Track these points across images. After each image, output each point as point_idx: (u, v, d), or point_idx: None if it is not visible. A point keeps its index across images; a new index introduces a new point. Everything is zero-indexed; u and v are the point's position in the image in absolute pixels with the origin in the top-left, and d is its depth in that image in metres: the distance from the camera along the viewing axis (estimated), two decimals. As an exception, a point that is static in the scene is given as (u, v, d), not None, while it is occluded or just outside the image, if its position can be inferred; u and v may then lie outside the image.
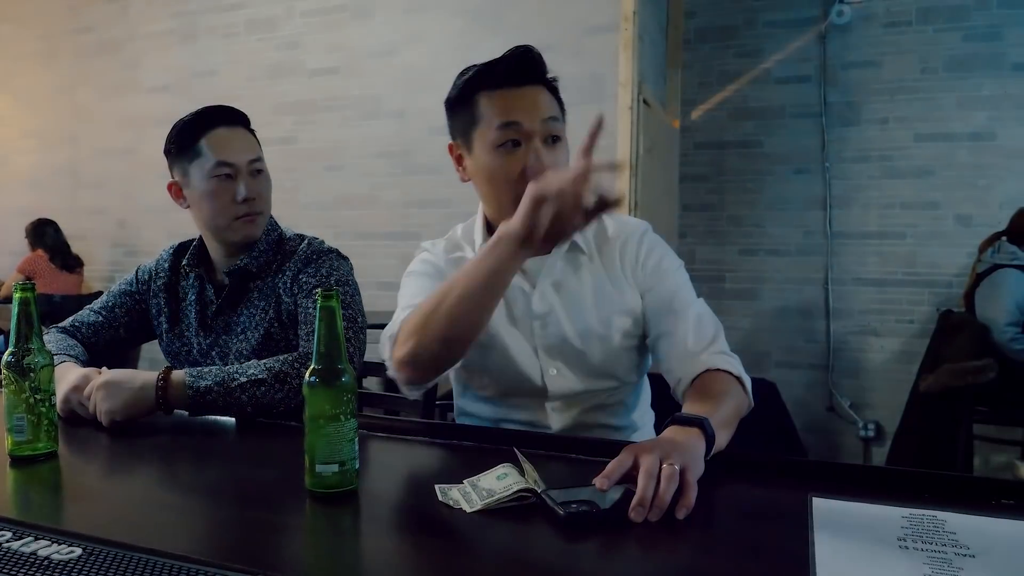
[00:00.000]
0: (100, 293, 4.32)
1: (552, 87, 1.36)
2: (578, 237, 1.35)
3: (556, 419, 1.35)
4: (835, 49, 4.04)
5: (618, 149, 3.35)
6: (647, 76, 3.66)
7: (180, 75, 4.23)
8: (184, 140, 1.52)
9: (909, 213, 3.97)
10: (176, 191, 1.57)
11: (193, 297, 1.60)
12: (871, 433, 4.04)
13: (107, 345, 1.62)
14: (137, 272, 1.68)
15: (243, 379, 1.34)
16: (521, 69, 1.32)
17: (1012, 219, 3.28)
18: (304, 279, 1.52)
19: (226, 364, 1.52)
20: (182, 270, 1.62)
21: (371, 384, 3.73)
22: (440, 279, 1.36)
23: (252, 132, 1.59)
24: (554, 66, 3.61)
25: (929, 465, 3.17)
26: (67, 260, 4.33)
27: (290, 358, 1.39)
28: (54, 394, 1.12)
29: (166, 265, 1.65)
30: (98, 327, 1.62)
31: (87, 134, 4.51)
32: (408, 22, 3.75)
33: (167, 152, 1.56)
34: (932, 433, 3.21)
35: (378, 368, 1.66)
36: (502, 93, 1.29)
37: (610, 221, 1.42)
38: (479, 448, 1.18)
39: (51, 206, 4.51)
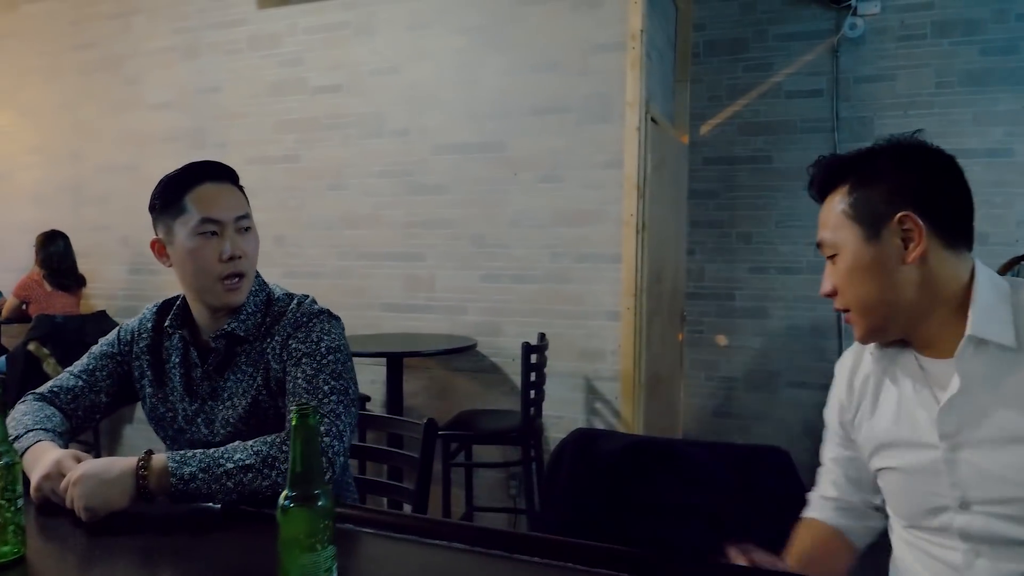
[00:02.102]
0: (103, 312, 4.31)
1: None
2: None
3: None
4: (848, 63, 3.96)
5: (625, 169, 3.29)
6: (655, 92, 3.60)
7: (182, 92, 4.19)
8: (169, 196, 1.46)
9: (923, 230, 3.88)
10: (159, 249, 1.51)
11: (177, 360, 1.54)
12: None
13: (88, 412, 1.55)
14: (119, 332, 1.61)
15: (230, 465, 1.27)
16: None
17: (1031, 241, 3.20)
18: (294, 345, 1.45)
19: (212, 430, 1.47)
20: (165, 330, 1.56)
21: (373, 406, 3.71)
22: None
23: (241, 188, 1.53)
24: (560, 84, 3.57)
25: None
26: (63, 280, 4.29)
27: (277, 440, 1.31)
28: (21, 496, 1.06)
29: (149, 325, 1.59)
30: (78, 393, 1.55)
31: (90, 150, 4.48)
32: (411, 40, 3.69)
33: (151, 208, 1.50)
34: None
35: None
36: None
37: None
38: (487, 555, 1.09)
39: (54, 222, 4.48)
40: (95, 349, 1.62)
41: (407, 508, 1.68)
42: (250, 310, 1.51)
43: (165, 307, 1.61)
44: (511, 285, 3.53)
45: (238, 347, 1.51)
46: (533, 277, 3.49)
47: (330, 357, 1.43)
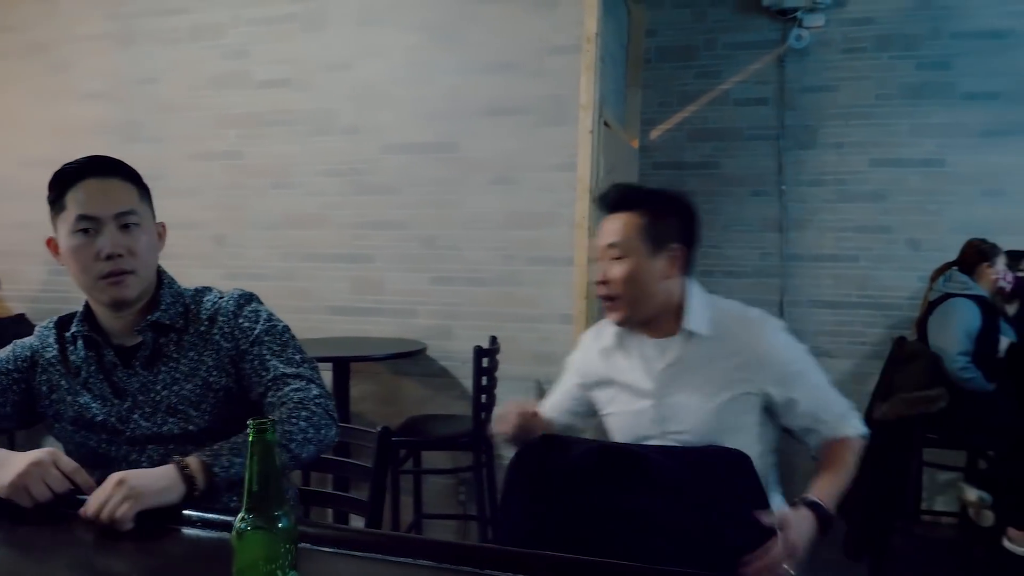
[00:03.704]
0: (21, 316, 4.06)
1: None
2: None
3: None
4: (793, 73, 4.05)
5: (578, 172, 3.29)
6: (608, 96, 3.61)
7: (116, 82, 3.99)
8: (52, 193, 1.42)
9: (862, 237, 4.01)
10: (54, 247, 1.46)
11: (94, 366, 1.47)
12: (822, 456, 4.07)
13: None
14: (14, 349, 1.53)
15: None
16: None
17: (962, 250, 3.34)
18: (246, 324, 1.48)
19: (155, 422, 1.42)
20: (68, 341, 1.50)
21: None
22: None
23: (137, 184, 1.47)
24: (514, 86, 3.55)
25: (882, 489, 3.21)
26: None
27: (283, 415, 1.33)
28: None
29: (51, 339, 1.52)
30: None
31: (11, 142, 4.23)
32: (363, 36, 3.60)
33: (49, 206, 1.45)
34: (885, 459, 3.24)
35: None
36: None
37: None
38: (457, 571, 1.03)
39: (-27, 217, 4.22)
40: None
41: (355, 521, 1.63)
42: (168, 300, 1.50)
43: (63, 322, 1.55)
44: (462, 288, 3.48)
45: (163, 337, 1.47)
46: (485, 280, 3.45)
47: (287, 334, 1.49)
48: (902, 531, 3.21)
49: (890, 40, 3.93)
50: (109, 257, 1.38)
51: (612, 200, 1.65)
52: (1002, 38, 3.78)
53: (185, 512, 1.18)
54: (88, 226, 1.39)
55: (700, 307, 1.62)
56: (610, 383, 1.72)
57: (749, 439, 1.58)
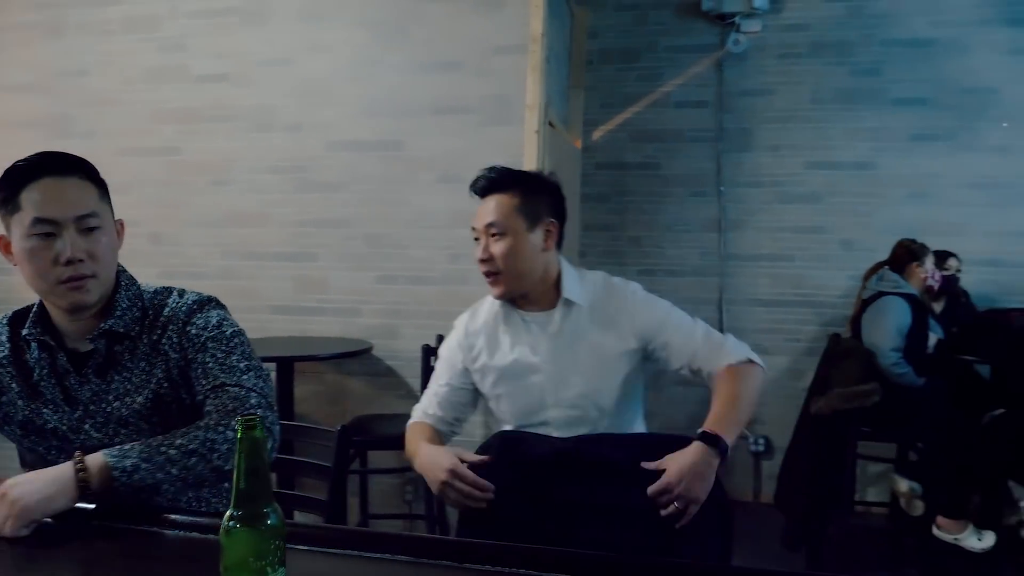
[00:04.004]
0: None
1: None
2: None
3: None
4: (731, 76, 4.14)
5: (525, 173, 3.29)
6: (552, 97, 3.63)
7: (44, 73, 3.83)
8: (5, 190, 1.33)
9: (798, 237, 4.13)
10: (5, 247, 1.38)
11: (46, 370, 1.41)
12: (761, 447, 4.18)
13: None
14: None
15: (172, 451, 1.21)
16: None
17: (893, 250, 3.46)
18: (194, 332, 1.41)
19: (105, 433, 1.38)
20: (22, 341, 1.43)
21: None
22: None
23: (97, 183, 1.41)
24: (460, 85, 3.55)
25: (819, 481, 3.31)
26: None
27: (211, 423, 1.27)
28: None
29: (3, 337, 1.45)
30: None
31: (-68, 134, 4.03)
32: (305, 31, 3.55)
33: None
34: (821, 452, 3.35)
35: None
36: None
37: None
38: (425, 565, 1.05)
39: None
40: None
41: (308, 519, 1.61)
42: (124, 305, 1.42)
43: (17, 317, 1.48)
44: (408, 287, 3.46)
45: (117, 345, 1.41)
46: (431, 279, 3.44)
47: (236, 340, 1.41)
48: (837, 521, 3.31)
49: (824, 46, 4.05)
50: (69, 262, 1.32)
51: (487, 183, 1.77)
52: (928, 47, 3.94)
53: (171, 516, 1.16)
54: (46, 229, 1.31)
55: (573, 279, 1.79)
56: (495, 365, 1.79)
57: (635, 391, 1.81)
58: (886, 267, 3.41)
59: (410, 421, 1.85)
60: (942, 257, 3.61)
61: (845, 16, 4.03)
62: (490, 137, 3.36)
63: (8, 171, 1.34)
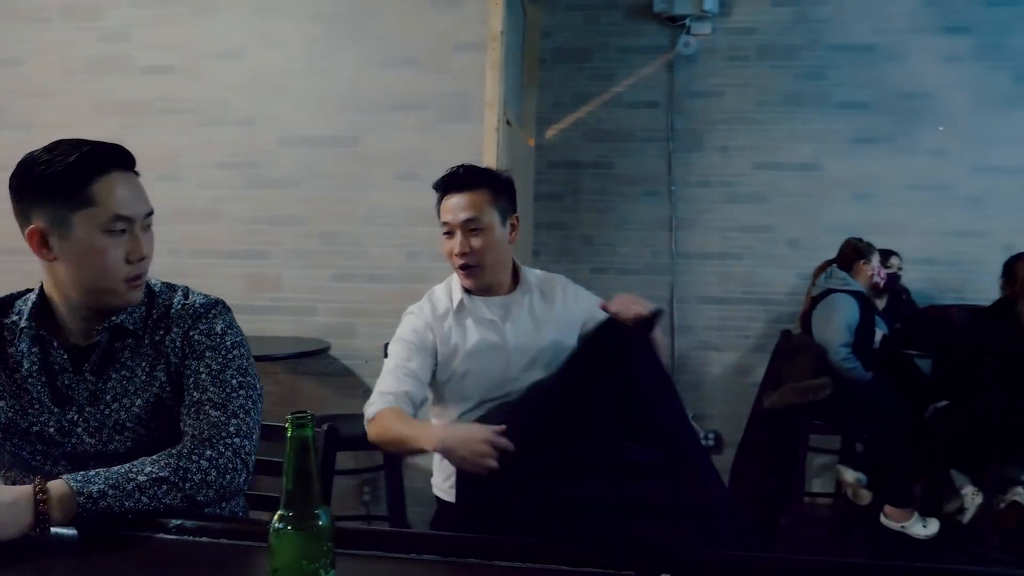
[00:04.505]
0: None
1: None
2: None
3: None
4: (682, 78, 4.21)
5: (484, 170, 3.29)
6: (509, 96, 3.63)
7: (-26, 62, 3.65)
8: (68, 182, 1.25)
9: (746, 236, 4.23)
10: (40, 240, 1.29)
11: (35, 365, 1.33)
12: (711, 442, 4.26)
13: None
14: None
15: (142, 478, 1.15)
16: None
17: (841, 248, 3.58)
18: (196, 337, 1.35)
19: (100, 438, 1.31)
20: (6, 332, 1.36)
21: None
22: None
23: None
24: (418, 81, 3.51)
25: (772, 473, 3.40)
26: None
27: (184, 451, 1.23)
28: None
29: None
30: None
31: None
32: (258, 23, 3.46)
33: (28, 191, 1.28)
34: (774, 445, 3.44)
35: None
36: None
37: None
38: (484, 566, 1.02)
39: None
40: None
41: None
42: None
43: (1, 306, 1.40)
44: (365, 285, 3.41)
45: (119, 342, 1.35)
46: (388, 277, 3.40)
47: (235, 352, 1.37)
48: (787, 513, 3.40)
49: (770, 49, 4.16)
50: (141, 259, 1.32)
51: (460, 180, 1.88)
52: (870, 52, 4.08)
53: (174, 522, 1.13)
54: (123, 227, 1.28)
55: (526, 268, 2.01)
56: (462, 345, 1.90)
57: None
58: (835, 265, 3.51)
59: (376, 410, 1.76)
60: (885, 255, 3.75)
61: (791, 21, 4.14)
62: (448, 134, 3.34)
63: (69, 164, 1.25)
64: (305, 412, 0.78)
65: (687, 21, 4.12)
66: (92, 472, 1.14)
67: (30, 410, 1.32)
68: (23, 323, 1.33)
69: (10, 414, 1.32)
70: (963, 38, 4.03)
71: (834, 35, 4.12)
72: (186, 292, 1.43)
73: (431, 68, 3.37)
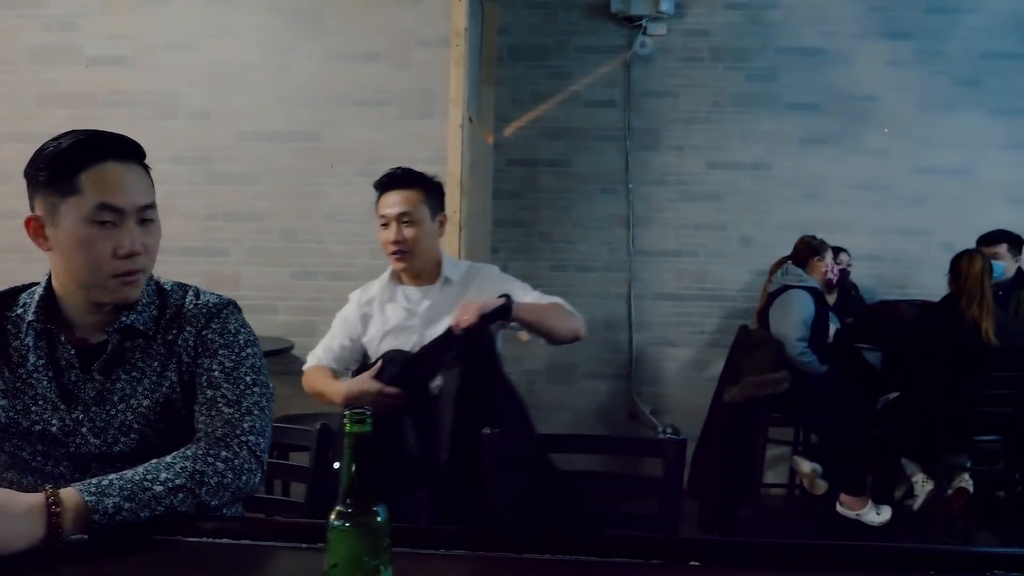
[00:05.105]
0: None
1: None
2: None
3: None
4: (638, 78, 4.27)
5: (448, 167, 3.27)
6: (470, 93, 3.62)
7: (-94, 49, 3.46)
8: (59, 169, 1.20)
9: (701, 234, 4.31)
10: (36, 228, 1.24)
11: (41, 361, 1.27)
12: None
13: None
14: None
15: (158, 488, 1.09)
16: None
17: (796, 246, 3.67)
18: (210, 336, 1.30)
19: (105, 439, 1.25)
20: (10, 326, 1.29)
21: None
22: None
23: (147, 170, 1.31)
24: (379, 76, 3.47)
25: (732, 465, 3.47)
26: None
27: (199, 452, 1.17)
28: None
29: None
30: None
31: None
32: (211, 14, 3.38)
33: (30, 177, 1.24)
34: (734, 438, 3.51)
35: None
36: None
37: None
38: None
39: None
40: None
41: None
42: (145, 300, 1.30)
43: (4, 300, 1.32)
44: (326, 283, 3.36)
45: (129, 342, 1.29)
46: (351, 274, 3.34)
47: (249, 350, 1.32)
48: (745, 504, 3.48)
49: (723, 51, 4.25)
50: (129, 255, 1.22)
51: (398, 179, 2.21)
52: (819, 55, 4.21)
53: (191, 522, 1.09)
54: (109, 217, 1.20)
55: (450, 262, 2.26)
56: (383, 327, 2.22)
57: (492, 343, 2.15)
58: (790, 262, 3.61)
59: (309, 365, 2.30)
60: (835, 252, 3.86)
61: (743, 24, 4.24)
62: (411, 131, 3.32)
63: (61, 151, 1.20)
64: (363, 409, 0.77)
65: (643, 22, 4.18)
66: (105, 481, 1.07)
67: (33, 407, 1.26)
68: (29, 316, 1.27)
69: (11, 414, 1.26)
70: (905, 43, 4.19)
71: (784, 38, 4.23)
72: (197, 292, 1.37)
73: (393, 63, 3.34)
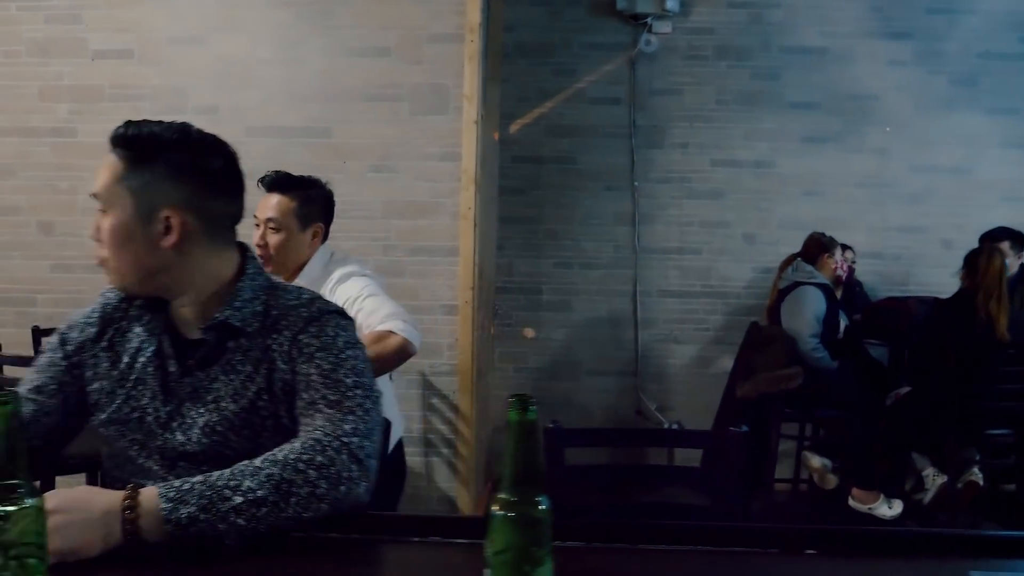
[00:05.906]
0: None
1: None
2: None
3: None
4: (643, 75, 4.28)
5: (463, 163, 3.26)
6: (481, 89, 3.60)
7: (-96, 42, 3.37)
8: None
9: (704, 231, 4.33)
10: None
11: (151, 351, 1.25)
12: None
13: (49, 438, 1.27)
14: (65, 334, 1.30)
15: (238, 499, 1.01)
16: None
17: (805, 242, 3.71)
18: (306, 340, 1.22)
19: (189, 437, 1.21)
20: (122, 317, 1.29)
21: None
22: None
23: (124, 157, 1.34)
24: (392, 71, 3.44)
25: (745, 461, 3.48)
26: None
27: (291, 458, 1.07)
28: (42, 546, 0.80)
29: (95, 316, 1.30)
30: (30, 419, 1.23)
31: None
32: (221, 9, 3.32)
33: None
34: (748, 433, 3.53)
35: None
36: None
37: None
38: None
39: None
40: (40, 359, 1.30)
41: None
42: (246, 296, 1.25)
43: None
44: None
45: (230, 341, 1.24)
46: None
47: (348, 352, 1.23)
48: (757, 499, 3.50)
49: (727, 50, 4.27)
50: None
51: (278, 183, 2.23)
52: (821, 54, 4.25)
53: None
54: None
55: (312, 270, 2.25)
56: None
57: None
58: (799, 258, 3.64)
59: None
60: (841, 249, 3.91)
61: (747, 23, 4.27)
62: (424, 126, 3.29)
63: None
64: (530, 396, 0.75)
65: (649, 19, 4.19)
66: (186, 485, 1.02)
67: (133, 392, 1.24)
68: (133, 309, 1.28)
69: (119, 402, 1.24)
70: (905, 43, 4.25)
71: (787, 38, 4.27)
72: (313, 298, 1.31)
73: (405, 59, 3.31)
